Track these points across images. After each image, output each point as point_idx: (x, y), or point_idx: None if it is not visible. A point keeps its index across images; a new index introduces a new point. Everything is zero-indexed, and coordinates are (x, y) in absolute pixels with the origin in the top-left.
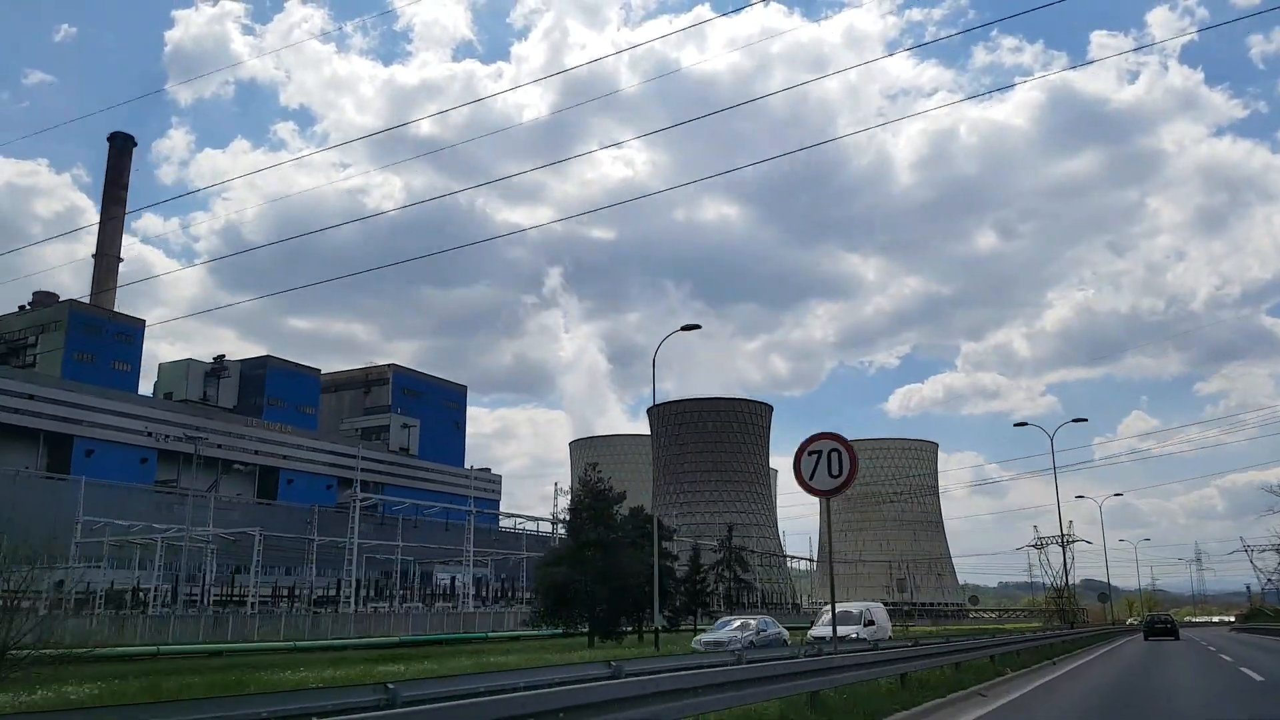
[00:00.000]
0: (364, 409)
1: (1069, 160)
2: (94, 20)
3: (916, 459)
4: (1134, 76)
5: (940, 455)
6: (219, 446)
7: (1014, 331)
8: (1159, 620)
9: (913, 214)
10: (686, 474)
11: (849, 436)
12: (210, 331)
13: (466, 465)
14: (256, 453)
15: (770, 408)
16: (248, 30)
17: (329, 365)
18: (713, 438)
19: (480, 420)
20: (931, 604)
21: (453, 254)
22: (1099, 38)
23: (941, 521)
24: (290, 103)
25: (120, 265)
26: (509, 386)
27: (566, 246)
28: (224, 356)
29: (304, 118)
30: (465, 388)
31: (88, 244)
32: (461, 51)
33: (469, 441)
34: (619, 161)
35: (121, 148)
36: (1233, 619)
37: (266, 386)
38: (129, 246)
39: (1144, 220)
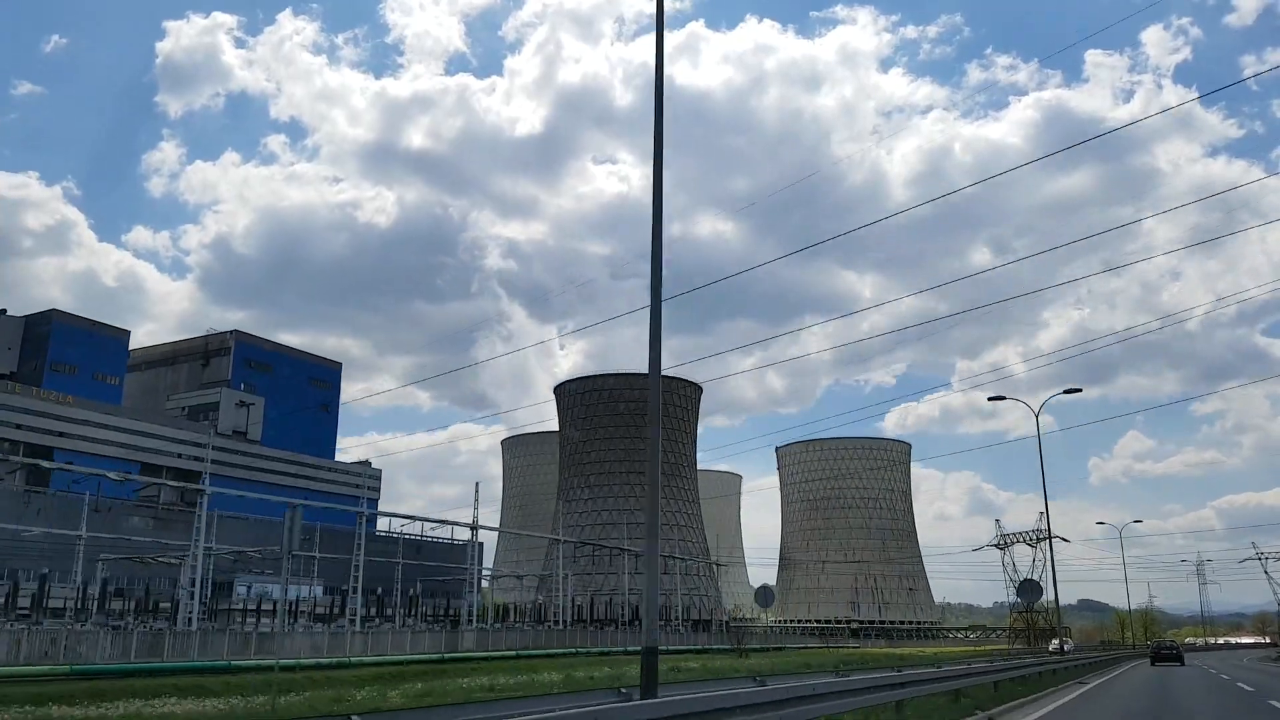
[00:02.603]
0: (201, 384)
1: (1064, 178)
2: (85, 31)
3: (887, 460)
4: (1129, 95)
5: (938, 475)
6: None
7: (1010, 350)
8: (1164, 646)
9: (908, 231)
10: (592, 464)
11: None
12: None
13: (342, 457)
14: (20, 427)
15: (700, 389)
16: (240, 43)
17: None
18: (626, 422)
19: (477, 439)
20: (899, 622)
21: (445, 268)
22: (1094, 56)
23: (914, 530)
24: (281, 115)
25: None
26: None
27: (561, 261)
28: (4, 311)
29: (295, 130)
30: (340, 365)
31: (79, 257)
32: (454, 64)
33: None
34: (613, 176)
35: None
36: (1266, 640)
37: (50, 348)
38: (119, 260)
39: (1139, 239)
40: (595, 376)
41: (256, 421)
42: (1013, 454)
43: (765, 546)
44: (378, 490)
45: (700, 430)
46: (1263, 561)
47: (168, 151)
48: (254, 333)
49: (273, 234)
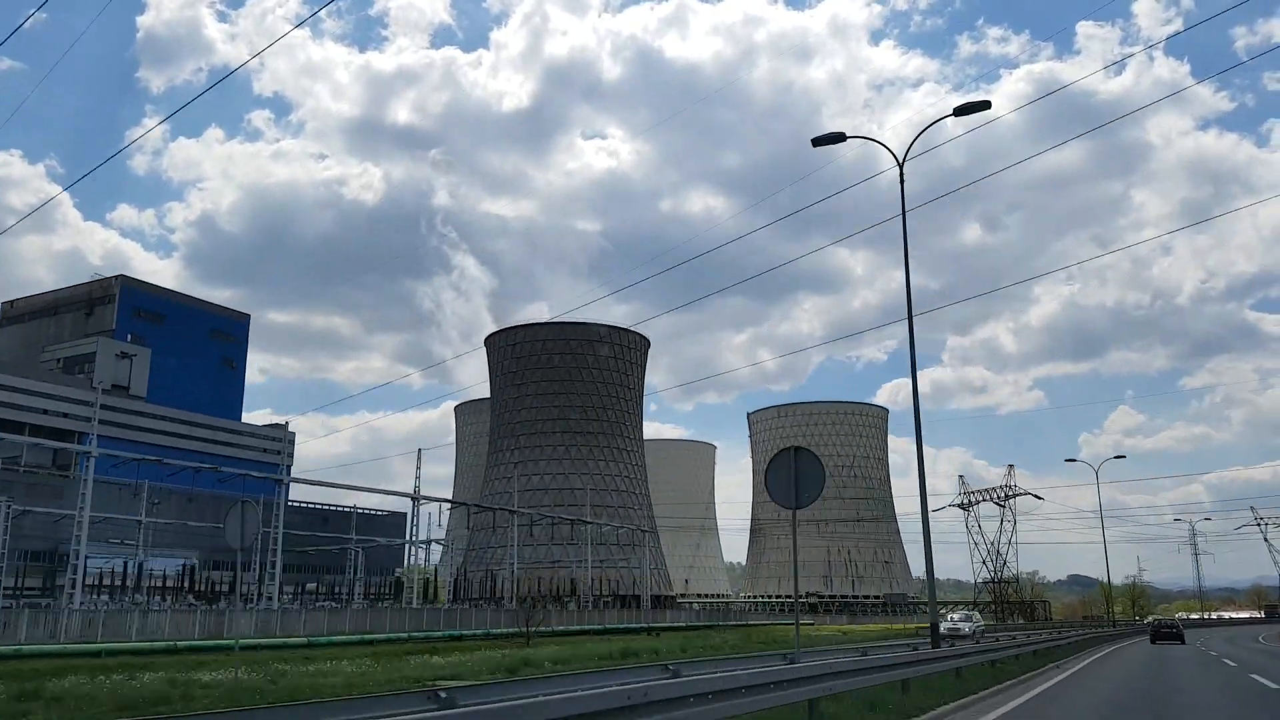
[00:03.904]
0: (85, 336)
1: (1055, 152)
2: (64, 4)
3: (862, 426)
4: (1120, 68)
5: (929, 451)
6: None
7: (1000, 326)
8: (1165, 625)
9: (899, 206)
10: (523, 424)
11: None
12: None
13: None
14: None
15: (647, 341)
16: (222, 17)
17: (303, 358)
18: (560, 375)
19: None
20: (872, 597)
21: (433, 245)
22: (1085, 28)
23: (891, 501)
24: (264, 90)
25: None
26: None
27: (551, 238)
28: None
29: (279, 105)
30: (248, 317)
31: (64, 236)
32: (440, 37)
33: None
34: (602, 152)
35: None
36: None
37: None
38: (105, 240)
39: (1130, 213)
40: (526, 326)
41: (141, 375)
42: (1005, 429)
43: (745, 520)
44: (291, 456)
45: (690, 407)
46: (1262, 527)
47: (150, 128)
48: (243, 310)
49: (258, 212)
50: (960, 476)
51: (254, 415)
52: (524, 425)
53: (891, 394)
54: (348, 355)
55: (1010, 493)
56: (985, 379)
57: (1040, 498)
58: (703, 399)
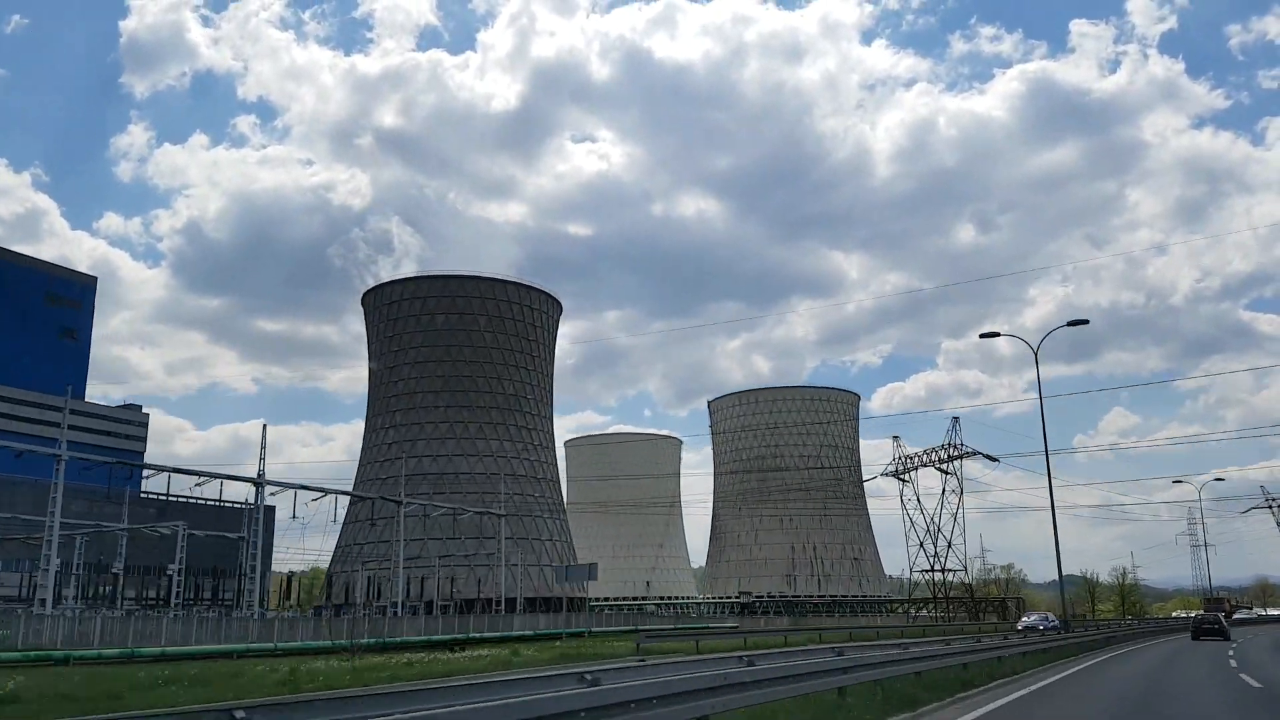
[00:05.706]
0: None
1: (1048, 151)
2: (46, 10)
3: (830, 413)
4: (1114, 66)
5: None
6: None
7: (995, 328)
8: (1207, 621)
9: (893, 207)
10: (400, 395)
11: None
12: (180, 335)
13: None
14: None
15: (560, 305)
16: (206, 21)
17: (307, 368)
18: (445, 339)
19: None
20: (838, 596)
21: (427, 251)
22: (1079, 26)
23: (863, 494)
24: (249, 95)
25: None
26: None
27: (544, 243)
28: None
29: (264, 110)
30: (94, 280)
31: (52, 246)
32: (426, 39)
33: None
34: (593, 155)
35: None
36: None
37: None
38: (92, 249)
39: (1124, 213)
40: (404, 280)
41: None
42: (1000, 429)
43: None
44: (143, 440)
45: (684, 414)
46: (1274, 511)
47: (135, 135)
48: (232, 318)
49: (245, 218)
50: (895, 437)
51: (247, 426)
52: (401, 399)
53: (886, 399)
54: (339, 363)
55: (954, 453)
56: (981, 382)
57: (995, 458)
58: (695, 405)
